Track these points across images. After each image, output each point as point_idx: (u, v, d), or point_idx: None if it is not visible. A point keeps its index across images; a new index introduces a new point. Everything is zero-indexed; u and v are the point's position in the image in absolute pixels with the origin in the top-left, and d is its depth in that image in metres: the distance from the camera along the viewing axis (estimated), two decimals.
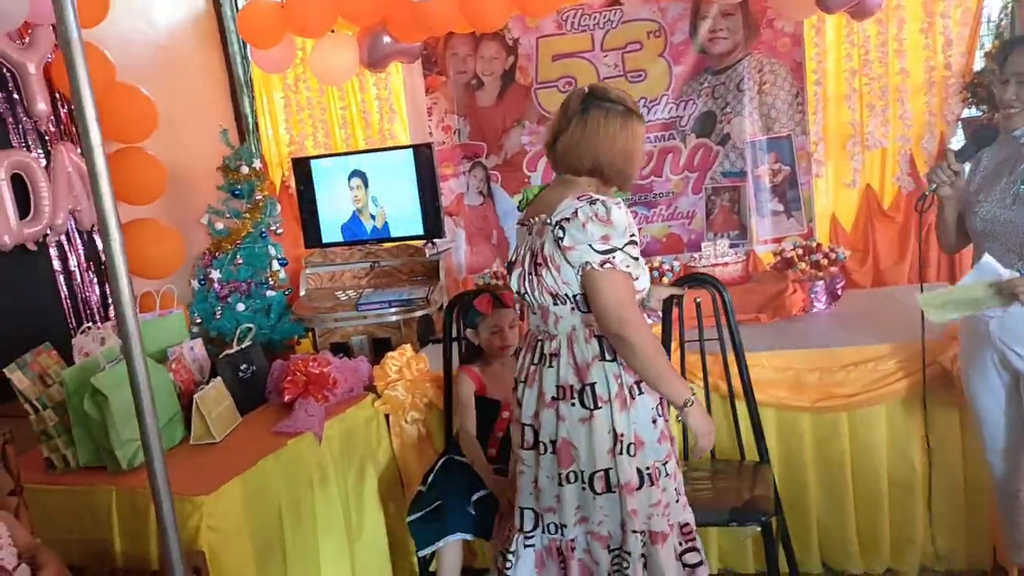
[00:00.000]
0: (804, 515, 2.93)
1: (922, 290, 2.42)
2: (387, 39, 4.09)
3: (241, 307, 3.92)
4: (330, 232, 4.26)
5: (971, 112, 3.98)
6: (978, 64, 3.98)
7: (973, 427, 2.79)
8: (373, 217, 4.17)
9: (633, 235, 2.05)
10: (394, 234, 4.19)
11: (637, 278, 2.08)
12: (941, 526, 2.93)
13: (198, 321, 3.89)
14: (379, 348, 3.80)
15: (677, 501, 2.20)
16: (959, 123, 4.04)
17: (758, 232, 4.24)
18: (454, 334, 2.98)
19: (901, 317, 3.16)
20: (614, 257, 2.01)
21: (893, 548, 2.97)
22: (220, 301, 3.95)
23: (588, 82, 4.10)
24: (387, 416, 3.19)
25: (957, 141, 4.11)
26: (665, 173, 4.29)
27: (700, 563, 2.20)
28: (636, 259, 2.06)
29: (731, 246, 3.74)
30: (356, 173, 4.17)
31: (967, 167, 2.42)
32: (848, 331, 3.10)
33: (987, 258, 2.23)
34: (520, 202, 2.29)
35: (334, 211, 4.23)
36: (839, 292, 3.41)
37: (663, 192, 4.29)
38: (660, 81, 4.23)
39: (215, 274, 3.95)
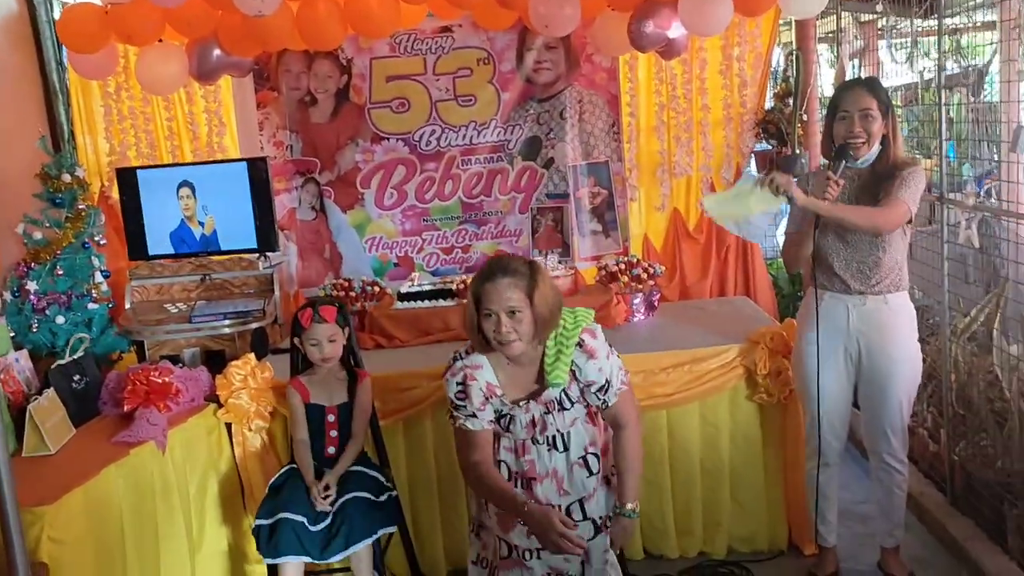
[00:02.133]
0: None
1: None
2: (218, 52, 4.05)
3: (61, 319, 3.74)
4: (157, 244, 4.15)
5: (763, 146, 4.48)
6: (768, 103, 4.49)
7: (771, 421, 3.18)
8: (202, 225, 4.12)
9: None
10: (226, 247, 4.15)
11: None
12: (744, 511, 3.28)
13: (12, 334, 3.67)
14: (213, 361, 3.75)
15: None
16: (752, 155, 4.53)
17: (580, 250, 4.54)
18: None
19: (710, 325, 3.53)
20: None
21: (705, 532, 3.30)
22: (36, 313, 3.75)
23: (421, 104, 4.34)
24: (229, 426, 3.18)
25: (748, 172, 4.61)
26: (494, 193, 4.51)
27: None
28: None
29: (558, 261, 4.01)
30: (185, 183, 4.10)
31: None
32: (665, 338, 3.42)
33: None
34: None
35: (161, 223, 4.13)
36: (656, 303, 3.75)
37: (492, 211, 4.51)
38: (489, 106, 4.45)
39: (31, 285, 3.75)
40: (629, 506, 2.41)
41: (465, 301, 2.45)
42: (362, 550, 2.72)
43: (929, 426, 3.62)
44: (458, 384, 2.35)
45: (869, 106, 2.74)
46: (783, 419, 3.18)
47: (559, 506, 2.36)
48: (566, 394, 2.37)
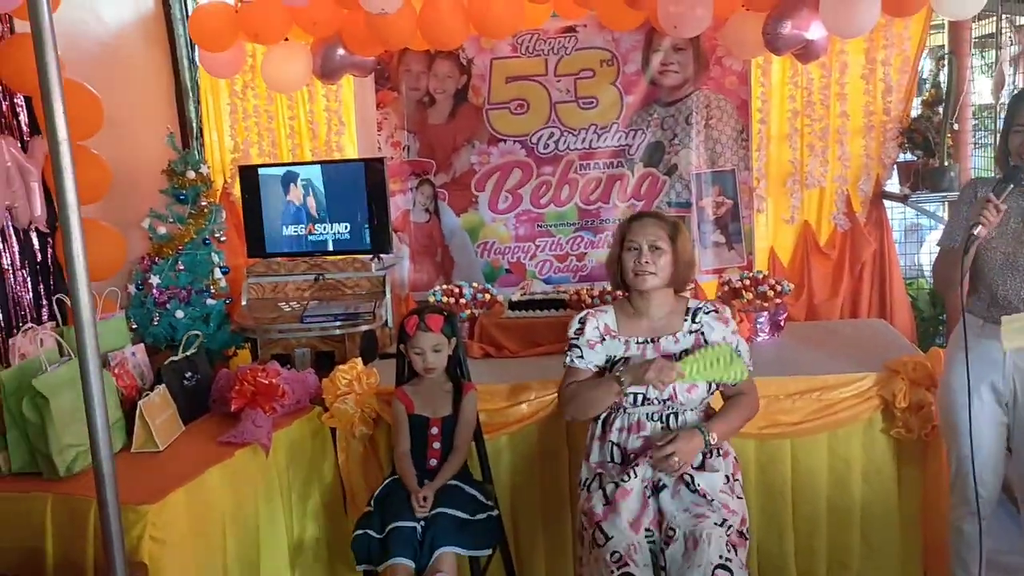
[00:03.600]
0: None
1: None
2: (341, 51, 4.06)
3: (180, 314, 3.81)
4: (274, 243, 4.19)
5: (906, 157, 4.16)
6: (915, 111, 4.16)
7: (909, 459, 2.91)
8: (320, 228, 4.13)
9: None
10: (341, 247, 4.15)
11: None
12: (875, 555, 3.02)
13: (134, 327, 3.76)
14: (321, 361, 3.74)
15: None
16: (895, 166, 4.21)
17: (701, 262, 4.32)
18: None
19: (842, 349, 3.27)
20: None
21: (829, 573, 3.05)
22: (158, 307, 3.83)
23: (541, 105, 4.23)
24: (333, 430, 3.14)
25: (891, 183, 4.29)
26: (613, 200, 4.35)
27: None
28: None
29: None
30: (305, 182, 4.12)
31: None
32: (792, 361, 3.19)
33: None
34: None
35: (280, 221, 4.17)
36: (782, 323, 3.51)
37: (610, 218, 4.34)
38: (611, 109, 4.29)
39: (154, 279, 3.83)
40: (713, 433, 2.45)
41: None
42: (444, 556, 2.57)
43: None
44: (579, 322, 2.60)
45: None
46: (924, 457, 2.91)
47: (660, 481, 2.43)
48: (687, 354, 2.47)
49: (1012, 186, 2.41)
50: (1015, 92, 3.27)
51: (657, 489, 2.41)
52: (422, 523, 2.64)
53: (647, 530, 2.36)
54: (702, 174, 4.31)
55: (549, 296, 3.74)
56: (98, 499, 1.87)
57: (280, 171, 4.18)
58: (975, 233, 2.38)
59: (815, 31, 3.52)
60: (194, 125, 4.56)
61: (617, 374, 2.47)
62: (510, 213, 4.42)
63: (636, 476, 2.42)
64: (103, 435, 1.83)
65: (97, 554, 2.35)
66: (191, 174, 3.92)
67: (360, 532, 2.66)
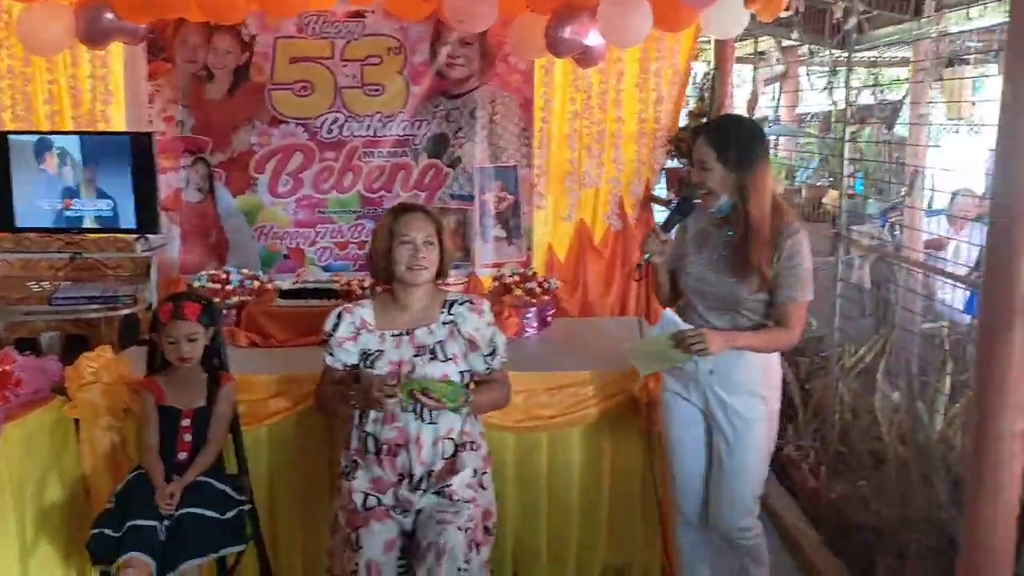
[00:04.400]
0: (501, 527, 3.04)
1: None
2: (109, 15, 3.78)
3: None
4: (25, 216, 3.87)
5: (674, 163, 4.42)
6: (683, 121, 4.43)
7: (654, 451, 3.09)
8: (78, 204, 3.85)
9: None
10: (102, 225, 3.89)
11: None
12: (621, 540, 3.19)
13: None
14: (74, 347, 3.50)
15: None
16: (663, 172, 4.47)
17: (481, 256, 4.40)
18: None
19: (603, 346, 3.43)
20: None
21: (579, 559, 3.19)
22: None
23: (326, 89, 4.14)
24: (77, 422, 2.94)
25: (659, 188, 4.55)
26: (396, 189, 4.34)
27: None
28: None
29: (453, 267, 3.85)
30: (61, 152, 3.83)
31: (674, 234, 2.67)
32: (554, 357, 3.31)
33: (668, 312, 2.52)
34: None
35: (33, 193, 3.85)
36: (549, 319, 3.63)
37: None
38: (397, 98, 4.27)
39: None
40: (468, 402, 2.51)
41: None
42: (188, 571, 2.50)
43: (811, 462, 3.61)
44: (335, 317, 2.60)
45: (703, 158, 2.45)
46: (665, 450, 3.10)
47: (414, 476, 2.49)
48: (441, 345, 2.55)
49: (681, 216, 2.58)
50: (695, 127, 3.48)
51: (409, 506, 2.47)
52: (166, 522, 2.53)
53: (400, 556, 2.40)
54: (485, 168, 4.38)
55: (321, 285, 3.67)
56: None
57: (33, 139, 3.86)
58: (645, 261, 2.55)
59: (593, 38, 3.66)
60: None
61: (351, 393, 2.52)
62: (290, 197, 4.30)
63: (391, 497, 2.47)
64: None
65: None
66: None
67: (97, 531, 2.51)
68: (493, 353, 2.63)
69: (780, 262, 2.40)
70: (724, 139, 2.46)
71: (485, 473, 2.61)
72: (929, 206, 4.47)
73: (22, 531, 2.76)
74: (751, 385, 2.50)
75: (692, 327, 2.43)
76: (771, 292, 2.44)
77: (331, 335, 2.60)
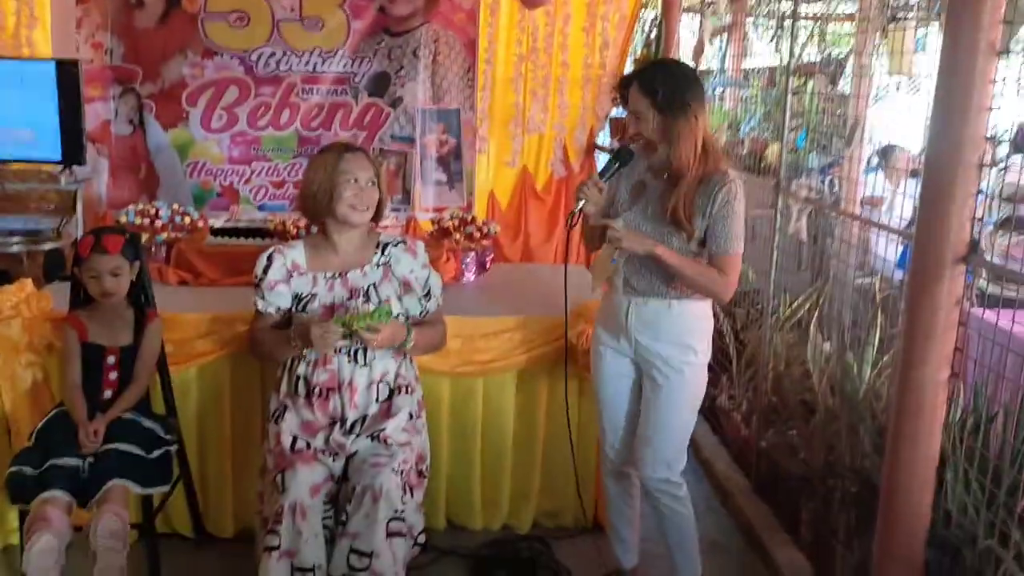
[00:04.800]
0: (435, 473, 3.04)
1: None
2: None
3: None
4: None
5: (618, 112, 4.38)
6: (628, 68, 4.38)
7: (589, 396, 3.10)
8: None
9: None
10: (26, 156, 3.73)
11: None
12: (553, 486, 3.21)
13: None
14: None
15: None
16: (607, 120, 4.43)
17: (421, 199, 4.33)
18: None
19: (540, 292, 3.41)
20: None
21: (512, 505, 3.21)
22: None
23: (262, 21, 3.99)
24: None
25: (603, 135, 4.51)
26: (334, 128, 4.23)
27: None
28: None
29: (393, 210, 3.79)
30: None
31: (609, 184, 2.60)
32: (492, 302, 3.28)
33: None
34: None
35: None
36: (488, 264, 3.60)
37: None
38: (337, 33, 4.14)
39: None
40: (413, 334, 2.52)
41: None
42: (115, 488, 2.40)
43: (743, 411, 3.66)
44: (266, 260, 2.53)
45: (636, 105, 2.39)
46: None
47: (347, 420, 2.47)
48: (375, 287, 2.53)
49: (619, 165, 2.49)
50: (623, 77, 3.39)
51: (341, 450, 2.43)
52: (90, 460, 2.46)
53: (326, 502, 2.35)
54: (427, 110, 4.30)
55: (254, 224, 3.57)
56: None
57: None
58: (579, 208, 2.47)
59: None
60: None
61: (290, 334, 2.46)
62: (224, 133, 4.17)
63: (322, 440, 2.44)
64: None
65: None
66: None
67: (15, 469, 2.43)
68: (428, 295, 2.61)
69: (712, 213, 2.36)
70: (651, 84, 2.37)
71: (419, 417, 2.59)
72: (868, 163, 4.52)
73: None
74: (679, 336, 2.46)
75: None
76: (703, 244, 2.41)
77: (262, 279, 2.52)
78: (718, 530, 3.26)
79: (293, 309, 2.53)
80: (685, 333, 2.47)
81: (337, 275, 2.53)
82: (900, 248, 3.28)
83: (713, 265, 2.41)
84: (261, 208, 4.18)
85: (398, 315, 2.51)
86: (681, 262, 2.38)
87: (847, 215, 3.04)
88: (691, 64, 4.39)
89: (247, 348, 2.71)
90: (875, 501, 2.27)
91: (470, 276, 3.52)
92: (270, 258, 2.53)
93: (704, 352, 2.50)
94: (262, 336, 2.57)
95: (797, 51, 3.66)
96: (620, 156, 2.51)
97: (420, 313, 2.60)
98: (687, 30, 5.16)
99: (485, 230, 3.52)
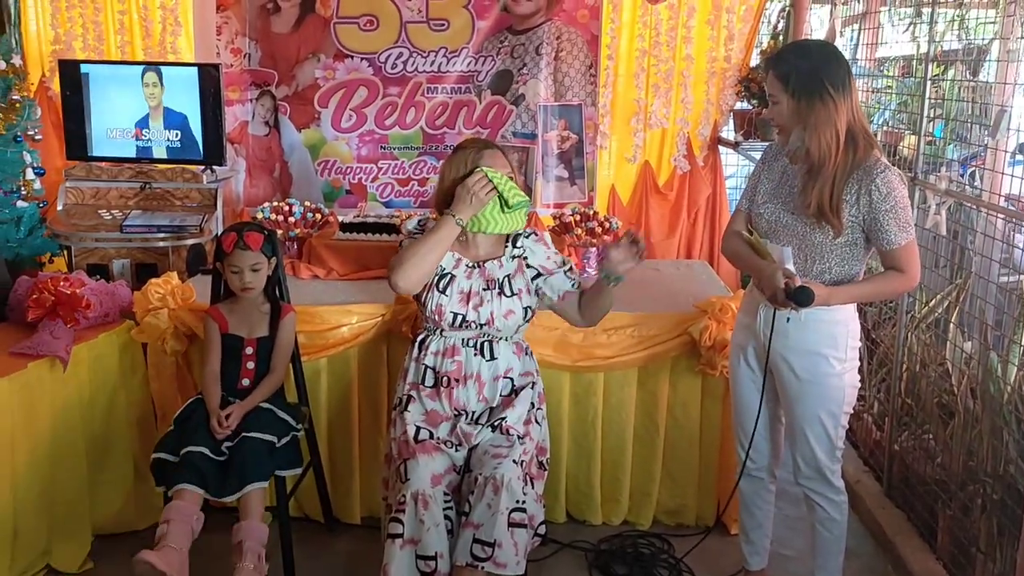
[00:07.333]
0: (555, 466, 3.06)
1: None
2: None
3: None
4: (98, 146, 3.95)
5: (743, 105, 4.28)
6: (754, 61, 4.28)
7: (713, 395, 3.05)
8: (149, 134, 3.92)
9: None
10: (171, 156, 3.96)
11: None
12: (674, 484, 3.18)
13: None
14: (143, 275, 3.58)
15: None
16: (731, 114, 4.34)
17: (542, 196, 4.35)
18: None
19: (662, 288, 3.39)
20: None
21: (632, 502, 3.19)
22: None
23: (391, 23, 4.10)
24: (145, 346, 3.02)
25: (728, 130, 4.42)
26: (458, 126, 4.30)
27: None
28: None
29: None
30: (135, 84, 3.88)
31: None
32: (614, 298, 3.26)
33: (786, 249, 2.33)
34: None
35: (104, 123, 3.92)
36: None
37: (454, 145, 4.29)
38: (462, 33, 4.21)
39: None
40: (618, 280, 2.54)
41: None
42: (253, 493, 2.55)
43: (875, 413, 3.53)
44: (419, 224, 2.61)
45: (770, 89, 2.28)
46: (726, 394, 3.04)
47: (473, 412, 2.52)
48: (509, 280, 2.57)
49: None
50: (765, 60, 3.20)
51: (467, 440, 2.46)
52: (225, 446, 2.58)
53: (445, 493, 2.37)
54: (549, 106, 4.31)
55: (382, 220, 3.68)
56: None
57: (106, 69, 3.92)
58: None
59: None
60: (12, 9, 4.18)
61: (450, 212, 2.46)
62: (353, 132, 4.30)
63: (447, 430, 2.48)
64: None
65: None
66: (1, 64, 3.62)
67: (157, 456, 2.58)
68: (571, 269, 2.66)
69: (872, 206, 2.21)
70: (785, 66, 2.25)
71: (540, 409, 2.61)
72: (1015, 154, 4.26)
73: (91, 448, 2.86)
74: (815, 346, 2.33)
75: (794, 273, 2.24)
76: (870, 241, 2.27)
77: (419, 232, 2.56)
78: (848, 534, 3.14)
79: (433, 281, 2.54)
80: (823, 344, 2.34)
81: (476, 265, 2.58)
82: None
83: (888, 262, 2.27)
84: (387, 205, 4.30)
85: (523, 317, 2.58)
86: (859, 292, 2.31)
87: (991, 208, 2.87)
88: None
89: (388, 275, 2.48)
90: (1020, 509, 2.15)
91: (591, 271, 3.52)
92: (422, 223, 2.62)
93: (840, 359, 2.35)
94: (411, 242, 2.52)
95: (937, 38, 3.48)
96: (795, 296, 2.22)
97: (573, 286, 2.62)
98: (816, 19, 5.01)
99: (607, 225, 3.51)
